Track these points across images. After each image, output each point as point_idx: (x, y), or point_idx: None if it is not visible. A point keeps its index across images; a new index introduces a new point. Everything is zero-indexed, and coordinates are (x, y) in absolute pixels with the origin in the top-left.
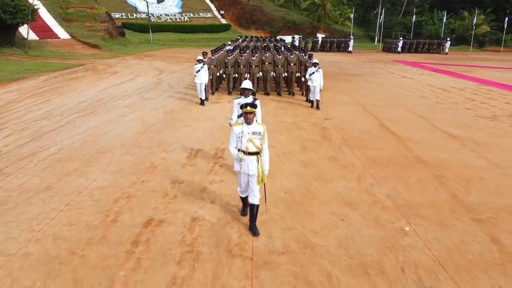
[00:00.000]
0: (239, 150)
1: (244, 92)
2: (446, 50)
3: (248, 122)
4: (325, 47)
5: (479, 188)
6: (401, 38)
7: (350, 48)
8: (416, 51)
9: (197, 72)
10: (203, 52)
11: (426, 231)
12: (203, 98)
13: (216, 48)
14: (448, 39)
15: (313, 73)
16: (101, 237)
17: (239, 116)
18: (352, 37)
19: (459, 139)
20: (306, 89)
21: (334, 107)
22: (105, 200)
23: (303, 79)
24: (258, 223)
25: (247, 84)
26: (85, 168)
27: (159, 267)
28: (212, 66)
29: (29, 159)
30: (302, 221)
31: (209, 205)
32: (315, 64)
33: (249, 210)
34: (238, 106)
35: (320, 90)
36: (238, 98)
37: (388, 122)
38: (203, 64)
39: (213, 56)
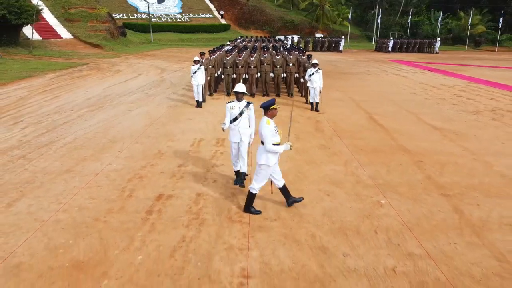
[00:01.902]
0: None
1: (237, 96)
2: (436, 50)
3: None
4: (317, 46)
5: (452, 171)
6: (391, 38)
7: (341, 48)
8: (407, 51)
9: (193, 73)
10: (200, 53)
11: (399, 203)
12: (200, 100)
13: (214, 49)
14: (438, 39)
15: (313, 74)
16: (119, 208)
17: (231, 121)
18: (343, 37)
19: (441, 130)
20: (305, 91)
21: (328, 103)
22: (120, 180)
23: (302, 80)
24: (257, 197)
25: (240, 87)
26: (99, 154)
27: (171, 230)
28: (210, 66)
29: (48, 147)
30: (293, 195)
31: (211, 184)
32: (314, 65)
33: (284, 191)
34: (231, 110)
35: (320, 92)
36: (231, 102)
37: (377, 116)
38: (200, 65)
39: (211, 56)
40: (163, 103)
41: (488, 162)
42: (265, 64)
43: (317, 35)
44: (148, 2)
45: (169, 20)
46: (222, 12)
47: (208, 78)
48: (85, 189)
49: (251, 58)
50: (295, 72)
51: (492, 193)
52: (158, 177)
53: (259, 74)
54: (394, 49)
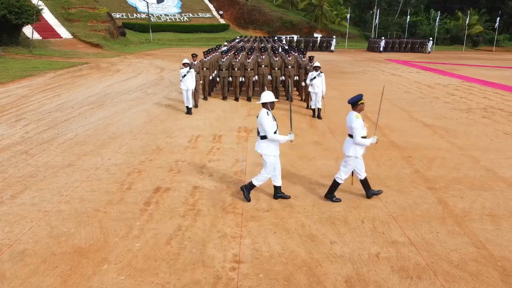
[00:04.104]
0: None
1: (272, 105)
2: (429, 49)
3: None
4: (308, 46)
5: (439, 165)
6: (383, 38)
7: (332, 48)
8: (399, 50)
9: (182, 77)
10: (192, 54)
11: (386, 195)
12: (190, 106)
13: (209, 50)
14: (431, 38)
15: (315, 77)
16: (119, 199)
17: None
18: (334, 37)
19: (432, 127)
20: (306, 95)
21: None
22: (119, 174)
23: (303, 83)
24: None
25: (271, 97)
26: (99, 150)
27: (168, 220)
28: (204, 68)
29: (49, 143)
30: (285, 188)
31: (207, 177)
32: (316, 68)
33: (364, 184)
34: (273, 122)
35: (323, 97)
36: (268, 113)
37: (371, 114)
38: (190, 69)
39: (205, 58)
40: (162, 101)
41: (475, 157)
42: (263, 66)
43: (315, 35)
44: (147, 2)
45: (169, 20)
46: (221, 12)
47: (202, 81)
48: (86, 182)
49: (248, 60)
50: (295, 75)
51: (476, 186)
52: (156, 171)
53: (256, 76)
54: (386, 49)
